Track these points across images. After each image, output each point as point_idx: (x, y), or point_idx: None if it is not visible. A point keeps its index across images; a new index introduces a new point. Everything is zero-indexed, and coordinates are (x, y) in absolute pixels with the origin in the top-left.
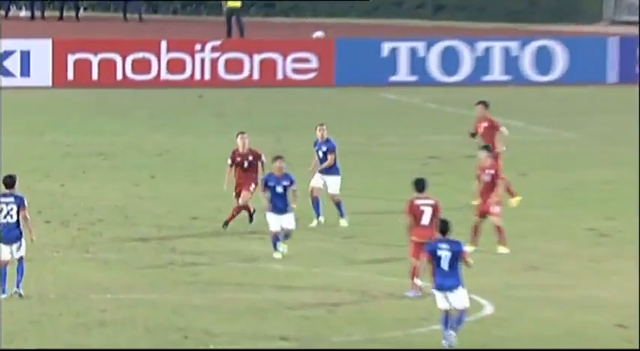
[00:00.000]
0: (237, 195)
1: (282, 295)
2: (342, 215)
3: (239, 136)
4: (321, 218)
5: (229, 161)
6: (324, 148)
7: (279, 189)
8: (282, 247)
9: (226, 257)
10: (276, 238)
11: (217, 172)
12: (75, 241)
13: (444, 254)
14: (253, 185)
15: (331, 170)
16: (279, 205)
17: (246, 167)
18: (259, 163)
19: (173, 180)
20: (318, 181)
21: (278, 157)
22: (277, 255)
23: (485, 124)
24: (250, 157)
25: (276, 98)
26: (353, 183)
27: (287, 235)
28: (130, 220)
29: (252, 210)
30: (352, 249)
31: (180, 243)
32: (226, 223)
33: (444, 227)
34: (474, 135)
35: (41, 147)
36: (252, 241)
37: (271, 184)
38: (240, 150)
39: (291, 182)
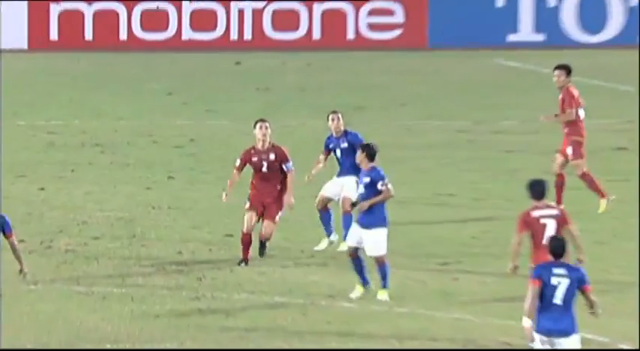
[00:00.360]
0: (254, 210)
1: (358, 347)
2: (329, 233)
3: (258, 126)
4: (334, 237)
5: (237, 162)
6: (344, 144)
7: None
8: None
9: (273, 289)
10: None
11: None
12: (60, 269)
13: (560, 283)
14: (279, 211)
15: (353, 170)
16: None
17: (265, 171)
18: (284, 169)
19: (199, 181)
20: (332, 188)
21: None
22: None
23: (560, 99)
24: (271, 156)
25: (343, 66)
26: (452, 186)
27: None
28: (138, 239)
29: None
30: (447, 280)
31: (209, 271)
32: (244, 262)
33: (557, 247)
34: (556, 117)
35: (13, 135)
36: (308, 267)
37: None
38: (259, 145)
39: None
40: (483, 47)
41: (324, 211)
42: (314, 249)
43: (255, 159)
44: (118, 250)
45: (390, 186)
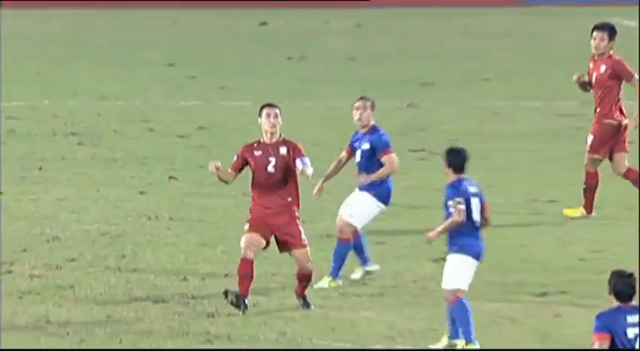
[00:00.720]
0: (257, 231)
1: None
2: (364, 262)
3: (265, 112)
4: (372, 266)
5: (235, 159)
6: (366, 146)
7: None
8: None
9: (310, 329)
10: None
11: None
12: (23, 303)
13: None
14: (299, 228)
15: (371, 186)
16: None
17: (271, 171)
18: (299, 166)
19: (210, 183)
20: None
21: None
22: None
23: (602, 70)
24: (282, 150)
25: (403, 27)
26: (552, 189)
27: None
28: (129, 261)
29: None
30: (547, 316)
31: (223, 305)
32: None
33: (625, 286)
34: (584, 85)
35: None
36: (357, 298)
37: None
38: (266, 138)
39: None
40: (593, 3)
41: (354, 236)
42: (351, 277)
43: (258, 154)
44: (102, 276)
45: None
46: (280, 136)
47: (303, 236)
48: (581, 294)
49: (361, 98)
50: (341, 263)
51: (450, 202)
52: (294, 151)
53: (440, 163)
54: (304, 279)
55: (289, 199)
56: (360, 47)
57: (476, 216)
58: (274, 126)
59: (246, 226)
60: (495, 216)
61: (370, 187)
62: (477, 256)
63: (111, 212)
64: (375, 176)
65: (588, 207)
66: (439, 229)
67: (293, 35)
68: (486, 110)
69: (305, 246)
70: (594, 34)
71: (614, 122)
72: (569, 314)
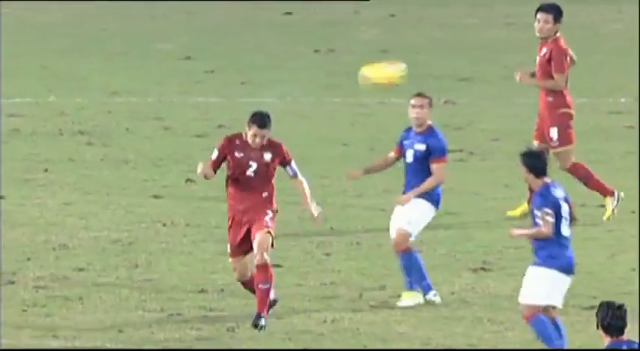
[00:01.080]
0: (236, 254)
1: None
2: (410, 285)
3: (254, 128)
4: (434, 295)
5: (215, 154)
6: (420, 147)
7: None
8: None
9: (342, 344)
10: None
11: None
12: (28, 316)
13: None
14: (267, 218)
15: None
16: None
17: (250, 175)
18: (289, 172)
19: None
20: (393, 220)
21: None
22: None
23: (542, 53)
24: (266, 156)
25: (440, 16)
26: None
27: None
28: (142, 271)
29: (271, 297)
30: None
31: (244, 318)
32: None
33: (615, 319)
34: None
35: None
36: (391, 311)
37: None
38: (247, 137)
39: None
40: None
41: (406, 253)
42: (398, 305)
43: (239, 155)
44: (113, 288)
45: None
46: (266, 138)
47: (269, 224)
48: (634, 307)
49: (419, 95)
50: (417, 273)
51: (538, 213)
52: (281, 156)
53: (477, 165)
54: (259, 275)
55: (264, 195)
56: (393, 39)
57: (565, 226)
58: (264, 137)
59: (229, 249)
60: None
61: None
62: (563, 269)
63: (122, 218)
64: (421, 189)
65: (606, 192)
66: (525, 232)
67: (320, 26)
68: (531, 107)
69: (267, 231)
70: (538, 15)
71: (572, 111)
72: None
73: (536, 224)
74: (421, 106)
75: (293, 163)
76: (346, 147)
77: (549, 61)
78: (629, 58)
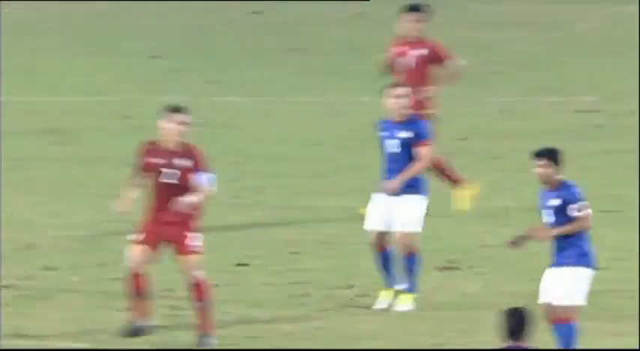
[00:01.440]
0: (149, 243)
1: None
2: (409, 288)
3: (174, 120)
4: (406, 286)
5: (138, 164)
6: (407, 134)
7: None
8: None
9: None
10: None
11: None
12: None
13: None
14: (188, 237)
15: (407, 186)
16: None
17: (164, 181)
18: (200, 178)
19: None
20: (380, 213)
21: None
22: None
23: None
24: (181, 163)
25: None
26: None
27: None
28: (112, 269)
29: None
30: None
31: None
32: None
33: (515, 325)
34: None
35: None
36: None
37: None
38: (163, 143)
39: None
40: None
41: (381, 250)
42: (373, 308)
43: (153, 161)
44: (81, 286)
45: (589, 211)
46: (179, 140)
47: (192, 242)
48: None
49: (398, 85)
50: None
51: (575, 206)
52: (197, 165)
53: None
54: (194, 294)
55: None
56: (364, 37)
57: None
58: (180, 133)
59: (137, 237)
60: (509, 222)
61: (407, 187)
62: (594, 267)
63: (93, 217)
64: (410, 173)
65: (458, 182)
66: (564, 229)
67: (290, 24)
68: (497, 107)
69: (192, 253)
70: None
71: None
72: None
73: (558, 220)
74: (401, 96)
75: (204, 176)
76: (318, 146)
77: (436, 53)
78: (600, 56)
